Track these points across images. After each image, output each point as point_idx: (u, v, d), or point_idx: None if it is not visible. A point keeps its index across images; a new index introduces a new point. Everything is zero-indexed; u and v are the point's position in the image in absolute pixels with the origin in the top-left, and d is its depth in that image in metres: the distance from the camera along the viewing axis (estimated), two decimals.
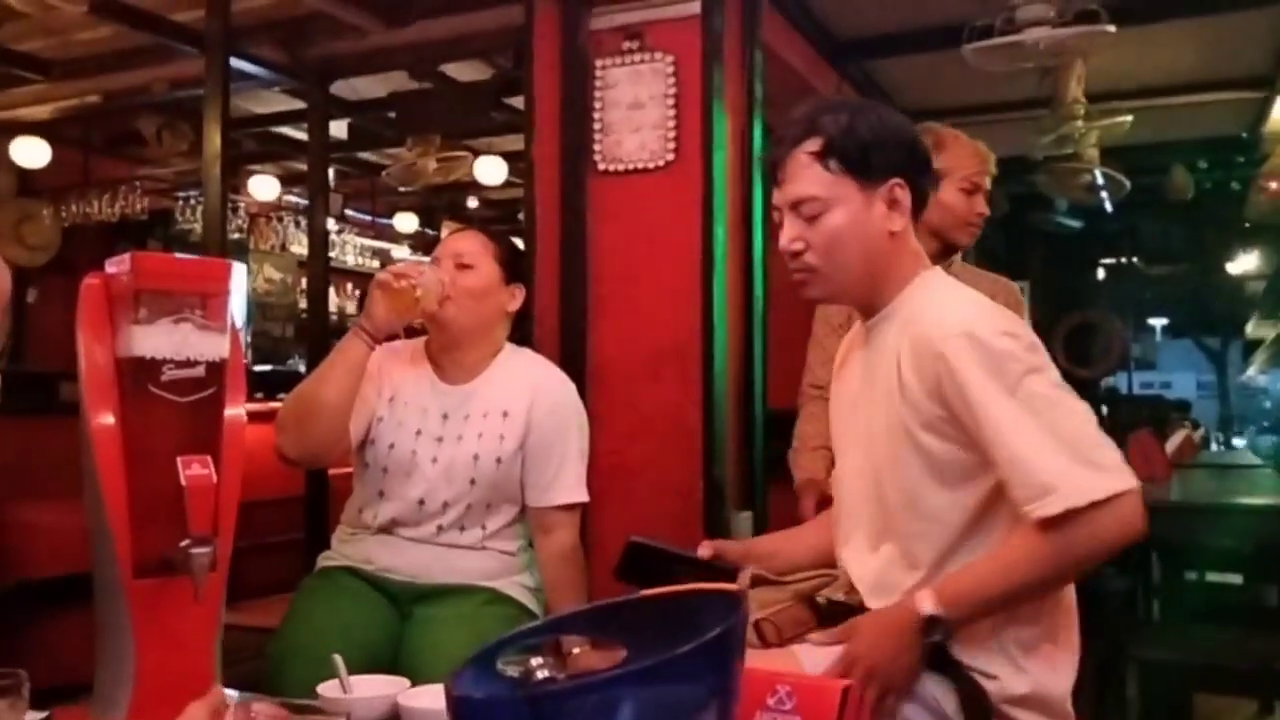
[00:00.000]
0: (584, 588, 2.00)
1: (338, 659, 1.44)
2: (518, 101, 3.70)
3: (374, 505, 1.99)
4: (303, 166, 5.21)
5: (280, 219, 7.34)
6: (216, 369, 1.39)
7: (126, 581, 1.32)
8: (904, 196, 1.46)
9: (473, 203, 7.39)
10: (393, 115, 4.90)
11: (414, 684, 1.40)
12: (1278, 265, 8.80)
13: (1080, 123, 4.10)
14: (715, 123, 2.96)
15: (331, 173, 6.50)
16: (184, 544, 1.30)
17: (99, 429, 1.34)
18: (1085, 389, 7.75)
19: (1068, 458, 1.27)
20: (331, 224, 7.40)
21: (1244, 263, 9.47)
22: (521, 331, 3.04)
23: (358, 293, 7.91)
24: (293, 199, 7.07)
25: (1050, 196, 5.87)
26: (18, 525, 2.99)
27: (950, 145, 2.28)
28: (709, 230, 2.95)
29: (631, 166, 3.05)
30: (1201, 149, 5.86)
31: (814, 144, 1.45)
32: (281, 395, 4.58)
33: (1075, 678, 1.39)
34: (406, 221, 7.74)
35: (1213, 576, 4.10)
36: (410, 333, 2.10)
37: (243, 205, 6.95)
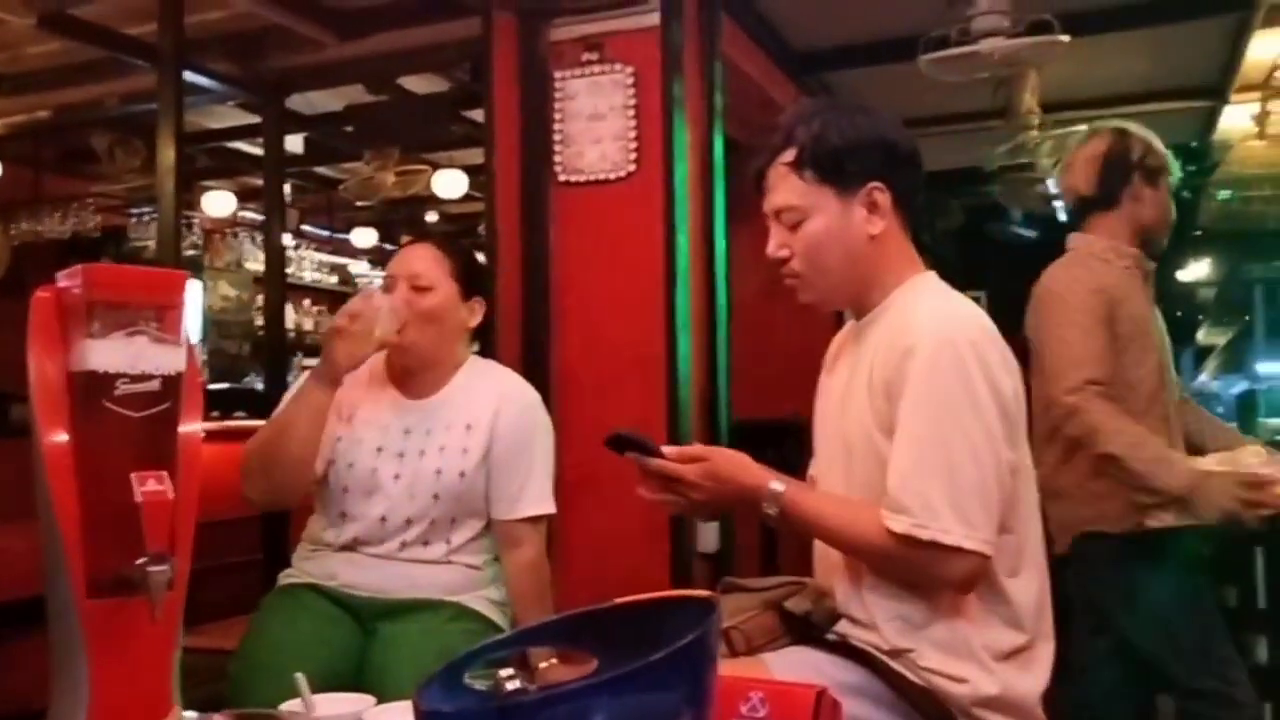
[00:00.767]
0: (550, 600, 1.98)
1: (300, 677, 1.41)
2: (477, 114, 3.69)
3: (336, 525, 1.96)
4: (258, 181, 5.16)
5: (236, 235, 7.25)
6: (172, 383, 1.36)
7: (80, 602, 1.28)
8: (883, 199, 1.47)
9: (432, 217, 7.35)
10: (350, 129, 4.86)
11: (379, 701, 1.37)
12: (1227, 273, 8.97)
13: (1034, 133, 4.16)
14: (676, 134, 2.97)
15: (288, 187, 6.45)
16: (140, 562, 1.27)
17: (50, 446, 1.30)
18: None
19: (942, 495, 1.30)
20: (288, 239, 7.34)
21: (1195, 270, 9.64)
22: (484, 343, 3.03)
23: (316, 309, 7.84)
24: (249, 215, 6.99)
25: (1006, 207, 5.94)
26: None
27: (1158, 146, 2.37)
28: (671, 241, 2.95)
29: (593, 177, 3.04)
30: None
31: (789, 154, 1.48)
32: (239, 414, 4.52)
33: (1047, 680, 1.40)
34: (365, 236, 7.68)
35: None
36: None
37: (197, 221, 6.86)
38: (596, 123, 3.05)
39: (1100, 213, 2.34)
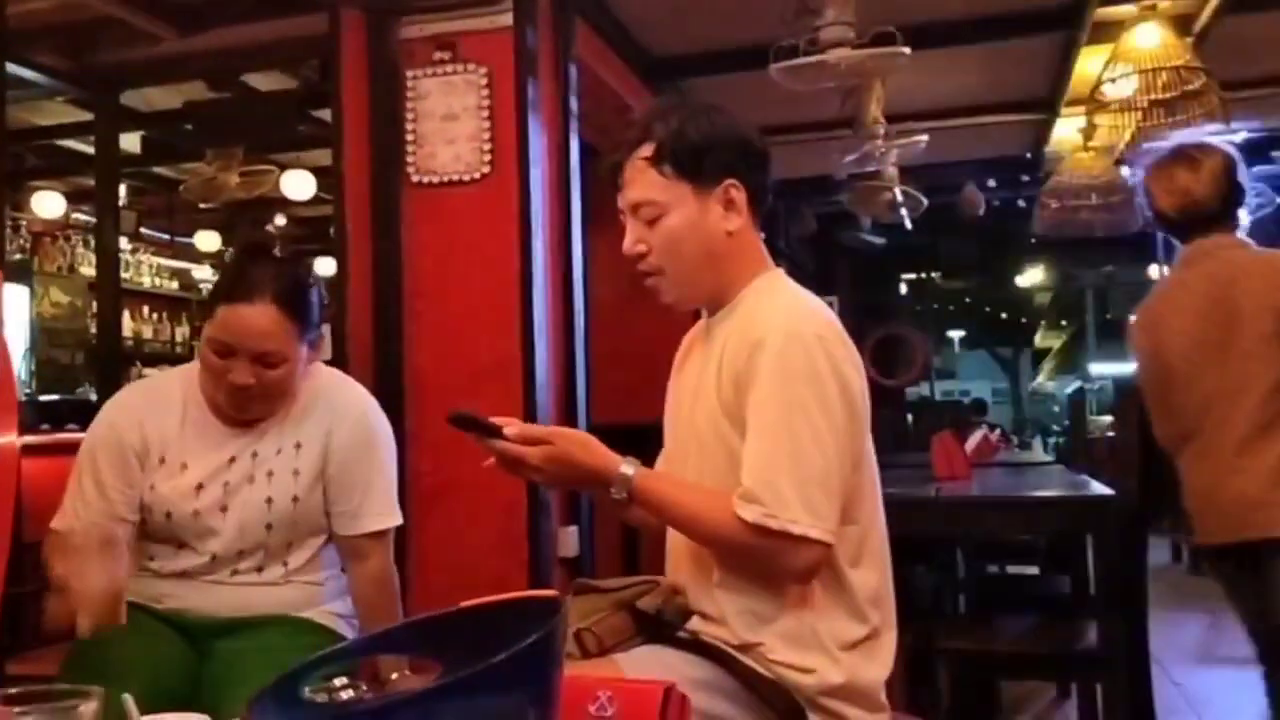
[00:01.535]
0: (399, 611, 1.92)
1: (128, 699, 1.32)
2: (326, 114, 3.58)
3: (162, 557, 1.83)
4: (91, 182, 4.88)
5: (68, 238, 6.86)
6: None
7: None
8: (739, 196, 1.48)
9: (280, 220, 7.11)
10: (190, 127, 4.65)
11: None
12: (1060, 279, 9.52)
13: (880, 142, 4.29)
14: (530, 136, 2.95)
15: (124, 188, 6.14)
16: None
17: None
18: (892, 397, 8.15)
19: (791, 484, 1.33)
20: (125, 243, 6.98)
21: (1031, 276, 10.18)
22: (333, 351, 2.94)
23: (155, 316, 7.48)
24: (82, 217, 6.62)
25: (855, 214, 6.13)
26: None
27: None
28: (526, 244, 2.93)
29: (446, 179, 3.00)
30: (991, 168, 6.26)
31: (647, 149, 1.48)
32: (71, 425, 4.25)
33: (891, 668, 1.43)
34: (208, 240, 7.38)
35: (1013, 568, 4.36)
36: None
37: (25, 224, 6.46)
38: (450, 123, 3.00)
39: (1220, 224, 2.31)
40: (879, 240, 7.65)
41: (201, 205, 6.08)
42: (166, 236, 7.54)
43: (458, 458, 3.04)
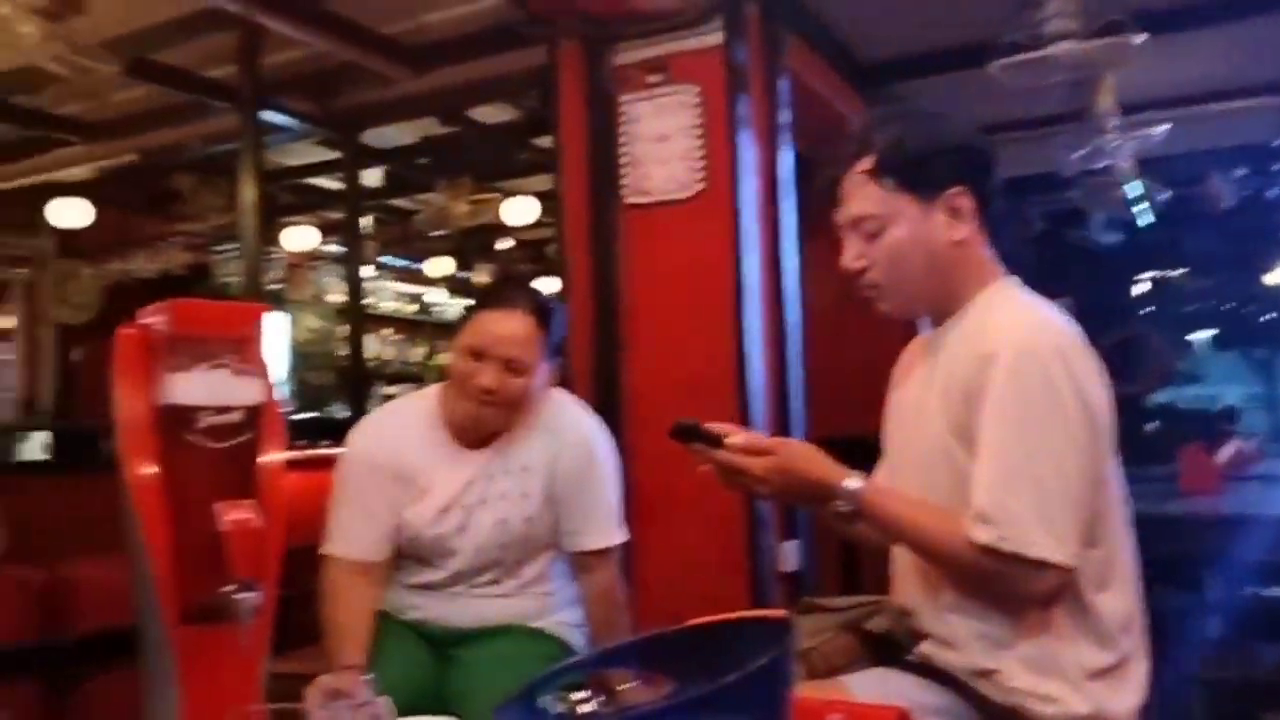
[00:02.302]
0: (626, 623, 1.97)
1: (387, 700, 1.42)
2: (546, 140, 3.74)
3: (407, 571, 1.96)
4: (337, 215, 5.29)
5: (317, 268, 7.43)
6: (253, 414, 1.40)
7: (171, 630, 1.32)
8: (965, 204, 1.43)
9: (505, 243, 7.44)
10: (424, 161, 4.95)
11: None
12: None
13: (1112, 135, 4.05)
14: (741, 151, 2.96)
15: (367, 220, 6.61)
16: (227, 590, 1.30)
17: (138, 477, 1.35)
18: (1130, 405, 7.62)
19: (1029, 505, 1.26)
20: (368, 270, 7.51)
21: None
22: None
23: (395, 338, 7.99)
24: (329, 248, 7.17)
25: (1086, 212, 5.80)
26: (71, 581, 3.01)
27: None
28: (739, 259, 2.94)
29: (660, 199, 3.05)
30: (1238, 156, 5.78)
31: (866, 162, 1.45)
32: (324, 442, 4.61)
33: (1142, 698, 1.35)
34: (441, 265, 7.81)
35: (1273, 591, 3.99)
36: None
37: (280, 256, 7.05)
38: (662, 144, 3.06)
39: None
40: (1113, 238, 7.20)
41: (433, 233, 6.46)
42: (404, 263, 8.04)
43: (676, 471, 3.08)
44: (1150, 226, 5.59)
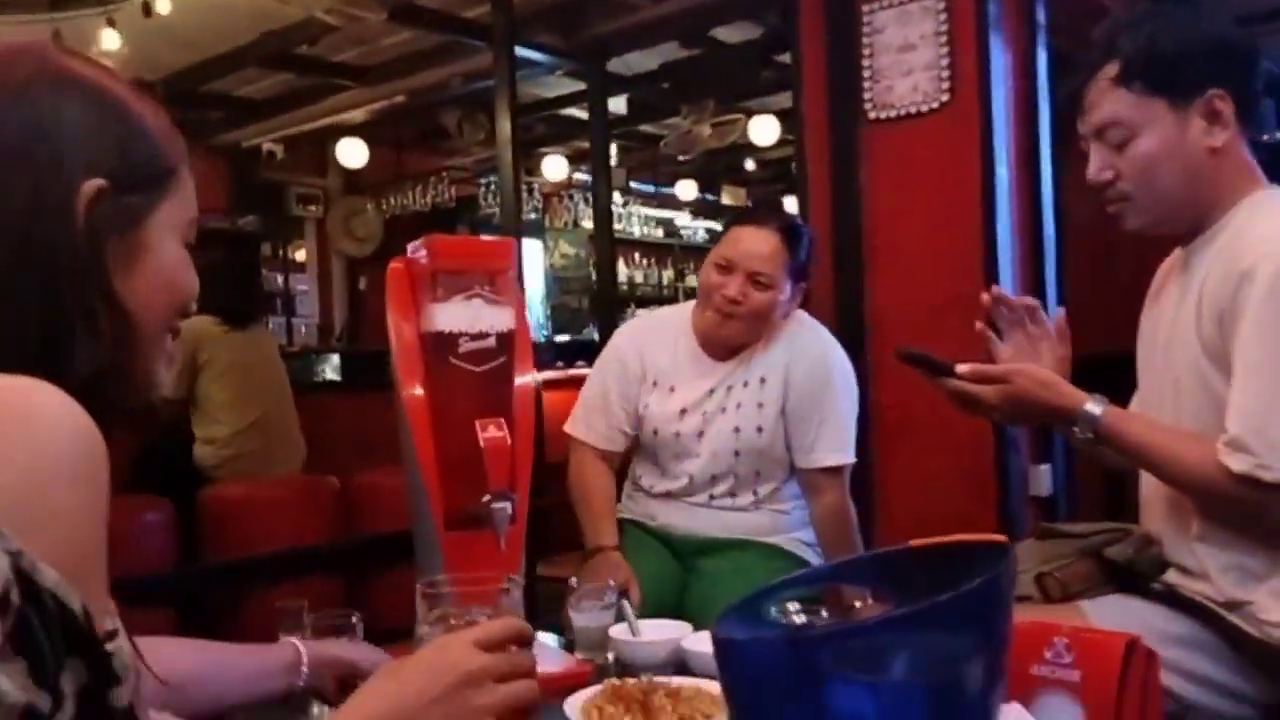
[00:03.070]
0: (856, 543, 2.00)
1: (626, 605, 1.53)
2: (788, 58, 3.68)
3: (650, 477, 2.09)
4: (587, 144, 5.45)
5: (571, 196, 7.71)
6: (505, 339, 1.51)
7: (440, 534, 1.47)
8: (1225, 107, 1.33)
9: (750, 164, 7.42)
10: (666, 86, 5.00)
11: (696, 630, 1.47)
12: None
13: None
14: (992, 57, 2.82)
15: (614, 147, 6.77)
16: (485, 499, 1.43)
17: (410, 398, 1.50)
18: None
19: None
20: (616, 197, 7.71)
21: None
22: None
23: (644, 261, 8.19)
24: (582, 176, 7.41)
25: None
26: (361, 488, 3.37)
27: None
28: (990, 171, 2.81)
29: (903, 112, 2.96)
30: None
31: (1113, 68, 1.36)
32: (579, 362, 4.85)
33: None
34: (687, 189, 7.90)
35: None
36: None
37: (537, 186, 7.36)
38: (906, 54, 2.95)
39: None
40: None
41: (680, 157, 6.54)
42: (651, 188, 8.20)
43: (920, 391, 3.04)
44: None
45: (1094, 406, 1.32)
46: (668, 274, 8.33)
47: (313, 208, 6.68)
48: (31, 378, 0.60)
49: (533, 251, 7.49)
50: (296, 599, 1.41)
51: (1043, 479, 2.97)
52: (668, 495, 2.05)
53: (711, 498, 2.02)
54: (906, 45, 2.96)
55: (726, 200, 8.20)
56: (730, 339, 2.01)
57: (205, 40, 4.35)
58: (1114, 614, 1.25)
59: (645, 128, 6.62)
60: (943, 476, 2.95)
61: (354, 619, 1.34)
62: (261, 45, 4.41)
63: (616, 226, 7.74)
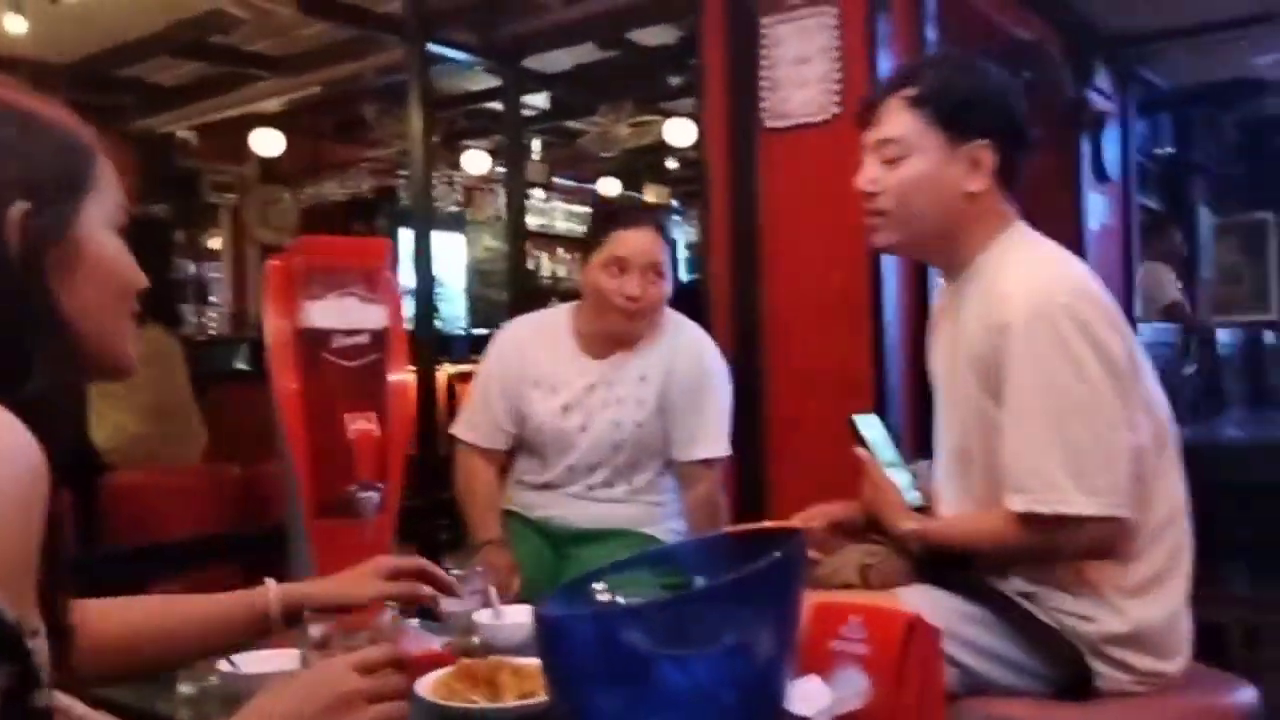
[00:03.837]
0: None
1: (493, 591, 1.61)
2: None
3: (531, 469, 2.17)
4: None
5: (494, 190, 7.73)
6: (379, 336, 1.59)
7: (309, 522, 1.53)
8: (988, 159, 1.45)
9: (671, 163, 7.52)
10: (584, 86, 5.07)
11: None
12: None
13: None
14: (880, 73, 2.93)
15: (538, 143, 6.81)
16: (352, 489, 1.50)
17: (283, 392, 1.56)
18: None
19: (1059, 465, 1.29)
20: (539, 192, 7.75)
21: None
22: (696, 291, 3.17)
23: (568, 256, 8.24)
24: (504, 169, 7.42)
25: None
26: (263, 477, 3.38)
27: None
28: None
29: (798, 122, 3.07)
30: None
31: (911, 90, 1.47)
32: None
33: (1178, 604, 1.39)
34: (610, 185, 7.97)
35: None
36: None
37: (459, 180, 7.37)
38: (802, 66, 3.06)
39: None
40: None
41: (601, 154, 6.61)
42: (574, 184, 8.25)
43: (812, 390, 3.18)
44: None
45: (909, 523, 1.48)
46: None
47: (228, 195, 6.62)
48: None
49: (454, 245, 7.50)
50: (198, 588, 1.45)
51: (924, 474, 3.11)
52: (546, 486, 2.13)
53: (589, 488, 2.10)
54: (802, 58, 3.07)
55: (650, 198, 8.29)
56: (633, 335, 2.10)
57: (115, 26, 4.31)
58: (921, 598, 1.36)
59: (569, 124, 6.67)
60: (833, 472, 3.06)
61: None
62: (173, 33, 4.38)
63: (540, 221, 7.80)
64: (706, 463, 2.10)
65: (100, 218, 0.84)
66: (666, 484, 2.14)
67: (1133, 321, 3.51)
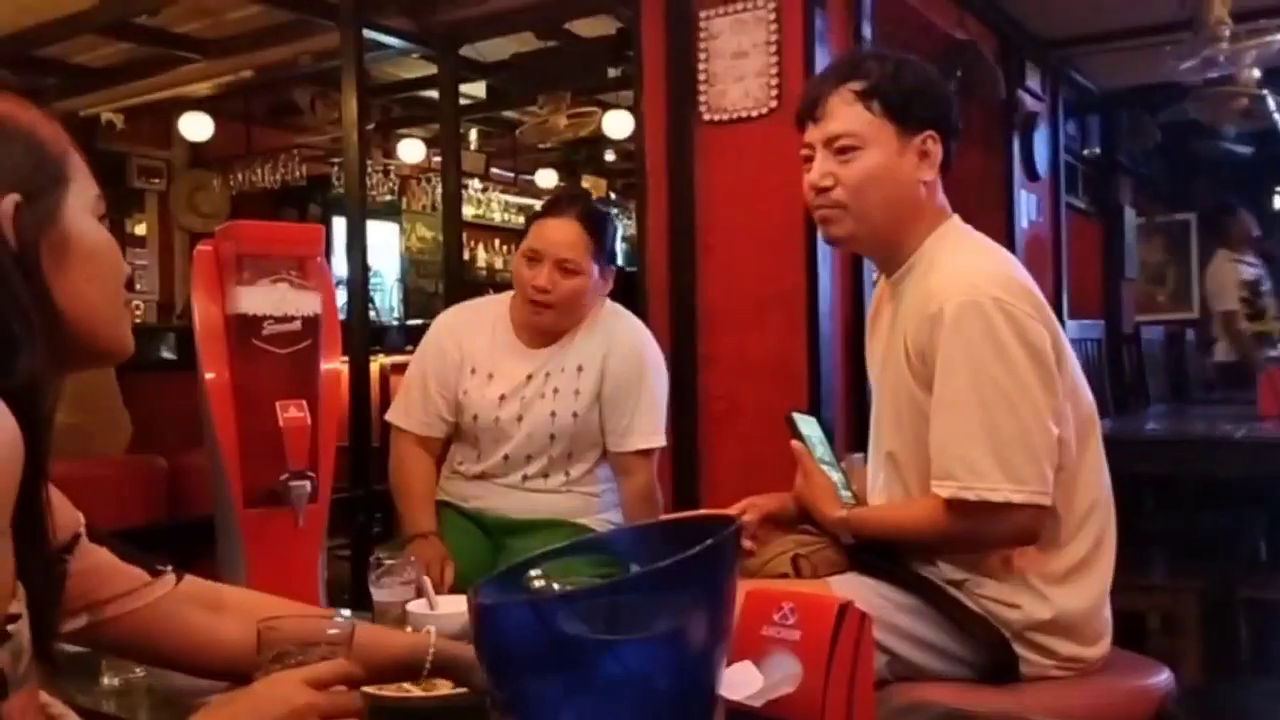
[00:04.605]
0: None
1: (426, 581, 1.59)
2: None
3: (467, 459, 2.16)
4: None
5: (429, 180, 7.65)
6: (311, 324, 1.56)
7: (239, 512, 1.51)
8: (935, 150, 1.48)
9: (610, 156, 7.51)
10: (521, 75, 5.03)
11: None
12: None
13: (1226, 44, 3.86)
14: (817, 68, 2.96)
15: (475, 132, 6.74)
16: (284, 478, 1.48)
17: (212, 379, 1.53)
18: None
19: (985, 452, 1.32)
20: (476, 183, 7.68)
21: None
22: (633, 282, 3.17)
23: (504, 248, 8.19)
24: (440, 159, 7.34)
25: (1205, 124, 5.53)
26: (190, 469, 3.31)
27: None
28: None
29: (735, 115, 3.09)
30: None
31: (858, 84, 1.47)
32: None
33: (1101, 591, 1.43)
34: (547, 177, 7.94)
35: None
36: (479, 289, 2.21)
37: (394, 169, 7.28)
38: (739, 60, 3.08)
39: None
40: (1245, 150, 6.82)
41: (540, 146, 6.57)
42: (512, 175, 8.20)
43: (747, 381, 3.20)
44: None
45: (840, 511, 1.50)
46: None
47: (155, 180, 6.46)
48: None
49: (388, 234, 7.41)
50: None
51: (858, 465, 3.14)
52: (482, 476, 2.12)
53: (525, 478, 2.10)
54: (740, 52, 3.09)
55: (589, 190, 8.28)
56: (545, 327, 2.09)
57: (38, 3, 4.18)
58: (853, 587, 1.38)
59: (507, 114, 6.62)
60: (768, 463, 3.09)
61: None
62: (100, 12, 4.25)
63: (477, 212, 7.73)
64: (643, 453, 2.10)
65: (82, 205, 0.87)
66: (603, 475, 2.14)
67: (1060, 316, 3.59)
